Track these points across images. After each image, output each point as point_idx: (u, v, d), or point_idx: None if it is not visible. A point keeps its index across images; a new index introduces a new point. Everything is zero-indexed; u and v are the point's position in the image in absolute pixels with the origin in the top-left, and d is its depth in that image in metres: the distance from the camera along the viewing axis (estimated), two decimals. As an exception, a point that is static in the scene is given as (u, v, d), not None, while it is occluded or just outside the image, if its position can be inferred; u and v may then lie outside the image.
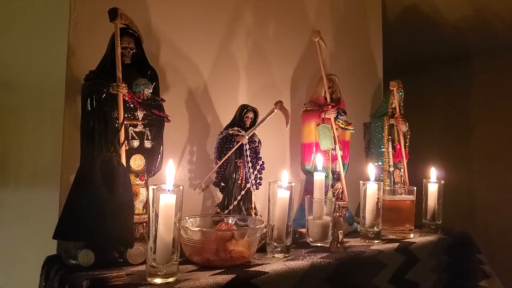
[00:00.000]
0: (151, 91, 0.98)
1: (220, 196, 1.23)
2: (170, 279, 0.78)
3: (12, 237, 1.17)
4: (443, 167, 1.59)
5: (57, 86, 1.08)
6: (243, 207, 1.19)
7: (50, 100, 1.14)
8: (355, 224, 1.39)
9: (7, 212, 1.18)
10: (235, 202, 1.18)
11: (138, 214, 0.93)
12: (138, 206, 0.94)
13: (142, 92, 0.96)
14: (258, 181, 1.22)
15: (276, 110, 1.21)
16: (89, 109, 0.92)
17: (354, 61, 1.85)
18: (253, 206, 1.21)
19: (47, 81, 1.15)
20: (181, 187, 0.80)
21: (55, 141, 1.07)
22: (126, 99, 0.95)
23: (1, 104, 1.20)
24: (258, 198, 1.22)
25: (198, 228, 0.99)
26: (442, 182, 1.45)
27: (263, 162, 1.23)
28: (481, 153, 2.38)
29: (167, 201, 0.78)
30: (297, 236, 1.23)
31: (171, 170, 0.83)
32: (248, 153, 1.20)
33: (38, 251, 1.01)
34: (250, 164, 1.20)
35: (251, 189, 1.20)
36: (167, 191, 0.79)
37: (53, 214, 1.03)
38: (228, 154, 1.18)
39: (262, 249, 1.04)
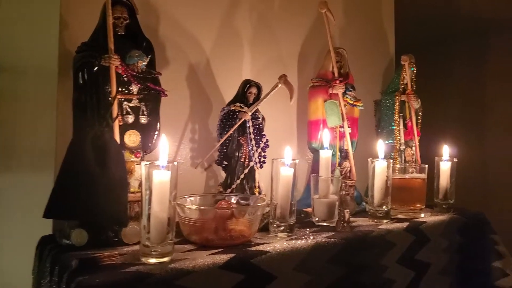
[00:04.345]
0: (145, 63, 0.93)
1: (223, 175, 1.19)
2: (165, 259, 0.75)
3: (10, 219, 1.15)
4: (458, 145, 1.52)
5: (51, 63, 1.04)
6: (246, 186, 1.15)
7: (45, 78, 1.10)
8: (364, 203, 1.35)
9: (4, 194, 1.16)
10: (238, 181, 1.14)
11: (134, 192, 0.90)
12: (134, 184, 0.91)
13: (136, 64, 0.91)
14: (262, 159, 1.18)
15: (280, 85, 1.15)
16: (81, 82, 0.88)
17: (365, 35, 1.77)
18: (257, 185, 1.17)
19: (40, 59, 1.11)
20: (175, 163, 0.76)
21: (52, 119, 1.04)
22: (120, 71, 0.90)
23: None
24: (262, 176, 1.18)
25: (195, 206, 0.95)
26: (455, 160, 1.39)
27: (267, 139, 1.18)
28: (499, 131, 2.29)
29: (161, 178, 0.75)
30: (302, 215, 1.19)
31: (165, 146, 0.79)
32: (251, 130, 1.16)
33: (35, 232, 0.98)
34: (253, 142, 1.16)
35: (255, 167, 1.16)
36: (161, 167, 0.75)
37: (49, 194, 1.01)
38: (230, 131, 1.13)
39: (265, 229, 1.00)
